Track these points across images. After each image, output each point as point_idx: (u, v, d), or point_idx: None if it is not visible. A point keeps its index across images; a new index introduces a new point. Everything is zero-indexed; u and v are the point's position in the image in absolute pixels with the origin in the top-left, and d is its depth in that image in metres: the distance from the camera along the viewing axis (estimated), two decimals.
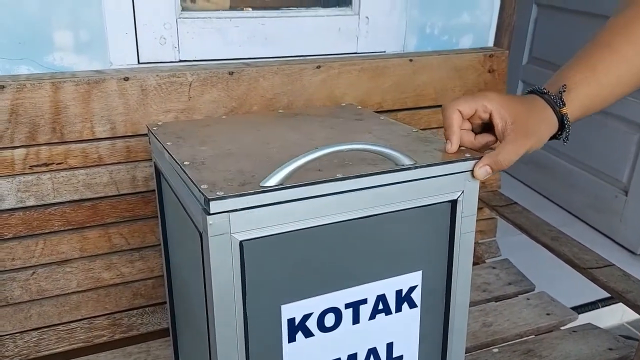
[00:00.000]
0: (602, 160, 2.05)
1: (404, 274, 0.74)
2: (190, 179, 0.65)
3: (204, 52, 1.12)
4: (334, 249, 0.68)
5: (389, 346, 0.76)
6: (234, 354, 0.66)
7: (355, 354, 0.74)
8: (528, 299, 1.28)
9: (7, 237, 0.99)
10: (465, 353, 0.93)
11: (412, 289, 0.75)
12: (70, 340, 1.08)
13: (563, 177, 2.21)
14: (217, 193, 0.60)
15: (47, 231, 1.02)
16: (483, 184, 1.39)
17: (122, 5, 1.03)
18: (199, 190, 0.61)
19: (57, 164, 0.99)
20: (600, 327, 1.18)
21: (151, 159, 0.95)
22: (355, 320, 0.73)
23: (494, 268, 1.39)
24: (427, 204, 0.71)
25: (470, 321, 1.18)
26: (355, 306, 0.72)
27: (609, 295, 1.38)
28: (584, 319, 1.28)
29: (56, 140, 0.98)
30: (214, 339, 0.65)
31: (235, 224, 0.61)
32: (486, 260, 1.44)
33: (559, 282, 1.36)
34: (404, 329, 0.77)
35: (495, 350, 1.10)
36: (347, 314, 0.72)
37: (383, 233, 0.71)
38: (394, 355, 0.77)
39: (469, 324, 1.13)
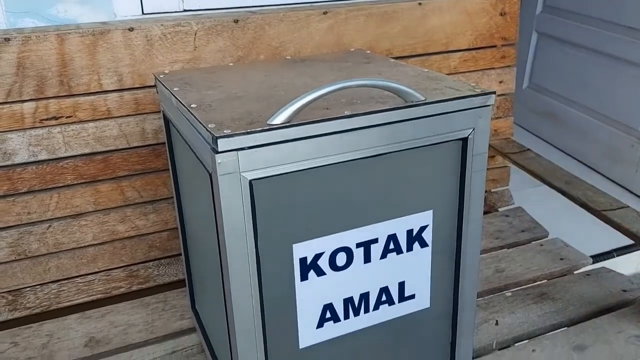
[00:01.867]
0: (618, 109, 2.01)
1: (415, 213, 0.74)
2: (197, 120, 0.64)
3: (208, 1, 1.10)
4: (344, 188, 0.68)
5: (401, 285, 0.77)
6: (247, 294, 0.67)
7: (368, 292, 0.75)
8: (541, 245, 1.27)
9: (22, 191, 1.00)
10: (478, 297, 0.94)
11: (423, 228, 0.75)
12: (88, 292, 1.10)
13: (576, 127, 2.18)
14: (225, 131, 0.60)
15: (60, 185, 1.03)
16: (495, 132, 1.38)
17: None
18: (207, 129, 0.61)
19: (66, 117, 0.99)
20: (614, 271, 1.18)
21: (160, 111, 0.95)
22: (367, 259, 0.73)
23: (507, 216, 1.39)
24: (437, 142, 0.71)
25: (483, 267, 1.19)
26: (366, 245, 0.73)
27: (623, 244, 1.38)
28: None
29: (64, 94, 0.98)
30: (228, 280, 0.66)
31: (244, 162, 0.61)
32: (499, 209, 1.43)
33: (573, 231, 1.35)
34: (416, 268, 0.77)
35: (509, 294, 1.10)
36: (359, 253, 0.72)
37: (393, 172, 0.70)
38: (406, 294, 0.78)
39: (481, 270, 1.14)
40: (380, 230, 0.73)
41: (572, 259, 1.21)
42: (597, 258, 1.74)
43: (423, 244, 0.76)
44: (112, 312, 1.08)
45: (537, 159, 1.29)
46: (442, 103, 0.68)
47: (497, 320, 1.02)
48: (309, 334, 0.73)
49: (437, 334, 0.84)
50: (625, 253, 1.77)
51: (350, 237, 0.71)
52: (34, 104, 0.96)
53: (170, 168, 0.93)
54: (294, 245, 0.68)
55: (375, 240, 0.73)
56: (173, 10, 1.09)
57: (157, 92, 0.88)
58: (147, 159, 1.07)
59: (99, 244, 1.09)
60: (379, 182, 0.70)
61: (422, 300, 0.80)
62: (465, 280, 0.81)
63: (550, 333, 0.98)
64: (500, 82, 1.33)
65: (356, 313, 0.75)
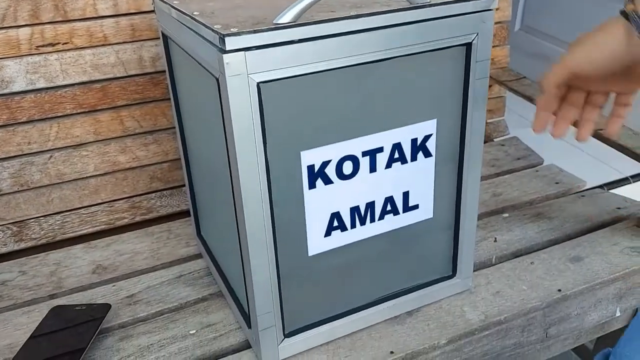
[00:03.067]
0: None
1: (419, 122, 0.75)
2: (202, 24, 0.64)
3: None
4: (350, 95, 0.69)
5: (405, 195, 0.78)
6: (258, 203, 0.68)
7: (373, 202, 0.76)
8: (537, 171, 1.29)
9: (22, 120, 1.00)
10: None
11: (427, 137, 0.76)
12: (92, 223, 1.11)
13: None
14: (232, 30, 0.59)
15: (59, 114, 1.02)
16: (491, 60, 1.38)
17: None
18: (213, 30, 0.61)
19: (62, 44, 0.98)
20: (609, 191, 1.20)
21: (157, 37, 0.93)
22: (372, 168, 0.74)
23: (502, 145, 1.41)
24: (441, 46, 0.71)
25: (480, 192, 1.20)
26: (372, 154, 0.74)
27: (616, 178, 1.40)
28: None
29: (60, 19, 0.96)
30: (239, 189, 0.66)
31: (252, 64, 0.61)
32: (494, 139, 1.45)
33: (568, 160, 1.38)
34: (420, 178, 0.79)
35: (506, 215, 1.13)
36: (364, 162, 0.73)
37: (397, 78, 0.70)
38: (410, 204, 0.79)
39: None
40: (385, 139, 0.74)
41: (567, 182, 1.24)
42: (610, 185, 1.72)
43: (427, 154, 0.77)
44: (117, 241, 1.09)
45: (533, 86, 1.30)
46: (447, 5, 0.68)
47: (495, 238, 1.04)
48: (317, 243, 0.75)
49: (439, 245, 0.86)
50: (617, 187, 1.80)
51: (357, 145, 0.72)
52: (30, 29, 0.95)
53: (171, 95, 0.92)
54: (302, 153, 0.69)
55: (381, 149, 0.74)
56: None
57: (155, 11, 0.87)
58: (145, 87, 1.07)
59: (101, 174, 1.10)
60: (384, 89, 0.71)
61: (425, 211, 0.81)
62: (467, 191, 0.82)
63: (548, 248, 1.01)
64: (497, 9, 1.32)
65: (362, 222, 0.77)
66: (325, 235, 0.75)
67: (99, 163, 1.08)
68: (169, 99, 0.92)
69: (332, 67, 0.66)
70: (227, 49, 0.59)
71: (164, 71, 1.05)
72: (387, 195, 0.77)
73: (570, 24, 2.06)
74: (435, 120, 0.76)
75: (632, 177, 1.42)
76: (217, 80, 0.63)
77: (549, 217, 1.10)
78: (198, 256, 1.05)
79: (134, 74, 1.05)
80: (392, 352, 0.80)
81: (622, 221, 1.07)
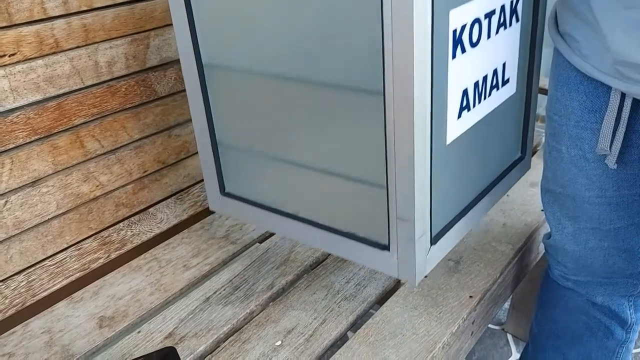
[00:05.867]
0: None
1: None
2: None
3: None
4: None
5: (503, 67, 0.76)
6: (425, 76, 0.59)
7: (486, 75, 0.72)
8: None
9: None
10: None
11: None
12: (64, 274, 0.90)
13: None
14: None
15: (11, 146, 0.81)
16: None
17: None
18: None
19: (9, 56, 0.78)
20: None
21: (112, 38, 0.82)
22: (488, 34, 0.70)
23: None
24: None
25: None
26: (489, 17, 0.69)
27: None
28: None
29: (4, 24, 0.76)
30: (409, 59, 0.57)
31: None
32: None
33: None
34: (511, 47, 0.76)
35: None
36: (485, 26, 0.69)
37: None
38: (505, 78, 0.77)
39: None
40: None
41: None
42: None
43: (517, 18, 0.75)
44: (104, 286, 0.91)
45: None
46: None
47: None
48: (452, 127, 0.69)
49: (517, 120, 0.86)
50: None
51: (483, 4, 0.67)
52: None
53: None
54: (450, 12, 0.62)
55: (494, 12, 0.69)
56: None
57: None
58: (102, 99, 0.90)
59: (64, 212, 0.90)
60: None
61: (512, 86, 0.79)
62: (536, 58, 0.82)
63: None
64: None
65: (480, 100, 0.73)
66: (458, 118, 0.69)
67: (62, 199, 0.88)
68: (127, 108, 0.85)
69: None
70: None
71: (121, 77, 0.92)
72: (493, 67, 0.74)
73: None
74: None
75: None
76: None
77: None
78: (211, 272, 0.93)
79: (91, 84, 0.88)
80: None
81: None
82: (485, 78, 0.72)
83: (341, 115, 0.69)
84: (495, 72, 0.74)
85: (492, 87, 0.74)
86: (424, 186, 0.65)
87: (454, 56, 0.64)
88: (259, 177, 0.84)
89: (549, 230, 0.84)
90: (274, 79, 0.73)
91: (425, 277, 0.87)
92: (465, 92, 0.68)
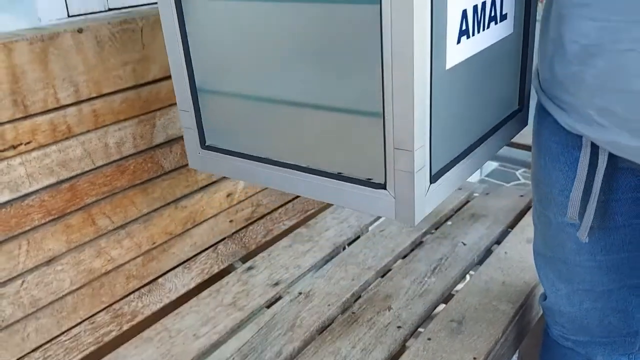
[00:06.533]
0: None
1: None
2: None
3: None
4: None
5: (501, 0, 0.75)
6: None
7: (485, 1, 0.71)
8: None
9: None
10: None
11: None
12: (79, 348, 0.93)
13: None
14: None
15: (27, 228, 0.85)
16: None
17: None
18: None
19: (25, 144, 0.82)
20: None
21: (121, 120, 0.87)
22: None
23: None
24: None
25: None
26: None
27: None
28: None
29: (20, 115, 0.81)
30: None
31: None
32: None
33: None
34: None
35: None
36: None
37: None
38: (503, 12, 0.76)
39: None
40: None
41: None
42: None
43: None
44: (118, 358, 0.93)
45: None
46: None
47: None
48: (452, 52, 0.67)
49: (515, 67, 0.84)
50: None
51: None
52: None
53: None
54: None
55: None
56: (99, 10, 0.97)
57: None
58: (112, 177, 0.95)
59: (77, 288, 0.93)
60: None
61: (510, 23, 0.78)
62: (532, 8, 0.81)
63: None
64: None
65: (479, 28, 0.71)
66: (457, 43, 0.67)
67: (75, 275, 0.92)
68: (136, 185, 0.88)
69: None
70: None
71: (130, 156, 0.97)
72: None
73: None
74: None
75: None
76: None
77: None
78: (220, 341, 0.96)
79: (101, 165, 0.93)
80: None
81: None
82: (484, 4, 0.70)
83: (334, 35, 0.65)
84: (493, 1, 0.72)
85: (490, 19, 0.72)
86: (424, 110, 0.61)
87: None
88: (242, 123, 0.80)
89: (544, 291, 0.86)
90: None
91: (429, 339, 0.89)
92: (464, 14, 0.66)
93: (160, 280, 1.06)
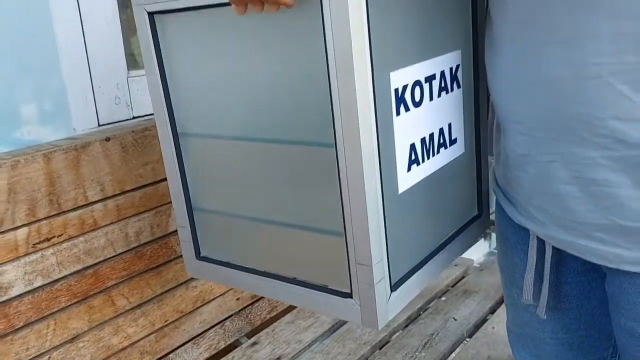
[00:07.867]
0: None
1: (451, 52, 0.78)
2: None
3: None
4: (425, 18, 0.72)
5: (449, 127, 0.80)
6: (370, 133, 0.65)
7: (432, 133, 0.77)
8: None
9: (19, 326, 0.93)
10: None
11: (457, 67, 0.79)
12: None
13: None
14: None
15: (55, 310, 0.97)
16: None
17: (79, 70, 1.05)
18: None
19: (57, 237, 0.96)
20: None
21: (140, 212, 0.99)
22: (430, 96, 0.75)
23: None
24: None
25: None
26: (429, 81, 0.75)
27: None
28: None
29: (54, 212, 0.95)
30: (353, 116, 0.63)
31: None
32: None
33: None
34: (455, 109, 0.81)
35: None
36: (426, 89, 0.75)
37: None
38: (452, 137, 0.81)
39: None
40: (437, 65, 0.75)
41: None
42: None
43: (458, 84, 0.80)
44: None
45: None
46: None
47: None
48: (403, 179, 0.73)
49: (470, 179, 0.88)
50: None
51: (422, 69, 0.73)
52: (27, 229, 0.92)
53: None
54: (391, 74, 0.68)
55: (434, 77, 0.75)
56: (124, 119, 1.13)
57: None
58: (131, 262, 1.08)
59: None
60: (433, 17, 0.74)
61: (460, 145, 0.83)
62: (482, 121, 0.85)
63: None
64: None
65: (428, 156, 0.77)
66: (408, 171, 0.74)
67: (95, 351, 1.03)
68: (152, 268, 0.95)
69: None
70: None
71: (147, 243, 1.10)
72: (439, 127, 0.78)
73: None
74: (460, 51, 0.79)
75: None
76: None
77: None
78: None
79: (122, 252, 1.06)
80: None
81: None
82: (432, 136, 0.76)
83: (302, 170, 0.74)
84: (441, 131, 0.78)
85: (439, 145, 0.78)
86: (379, 230, 0.68)
87: (397, 113, 0.70)
88: (230, 238, 0.87)
89: None
90: (238, 140, 0.79)
91: None
92: (412, 147, 0.73)
93: (171, 355, 1.16)
